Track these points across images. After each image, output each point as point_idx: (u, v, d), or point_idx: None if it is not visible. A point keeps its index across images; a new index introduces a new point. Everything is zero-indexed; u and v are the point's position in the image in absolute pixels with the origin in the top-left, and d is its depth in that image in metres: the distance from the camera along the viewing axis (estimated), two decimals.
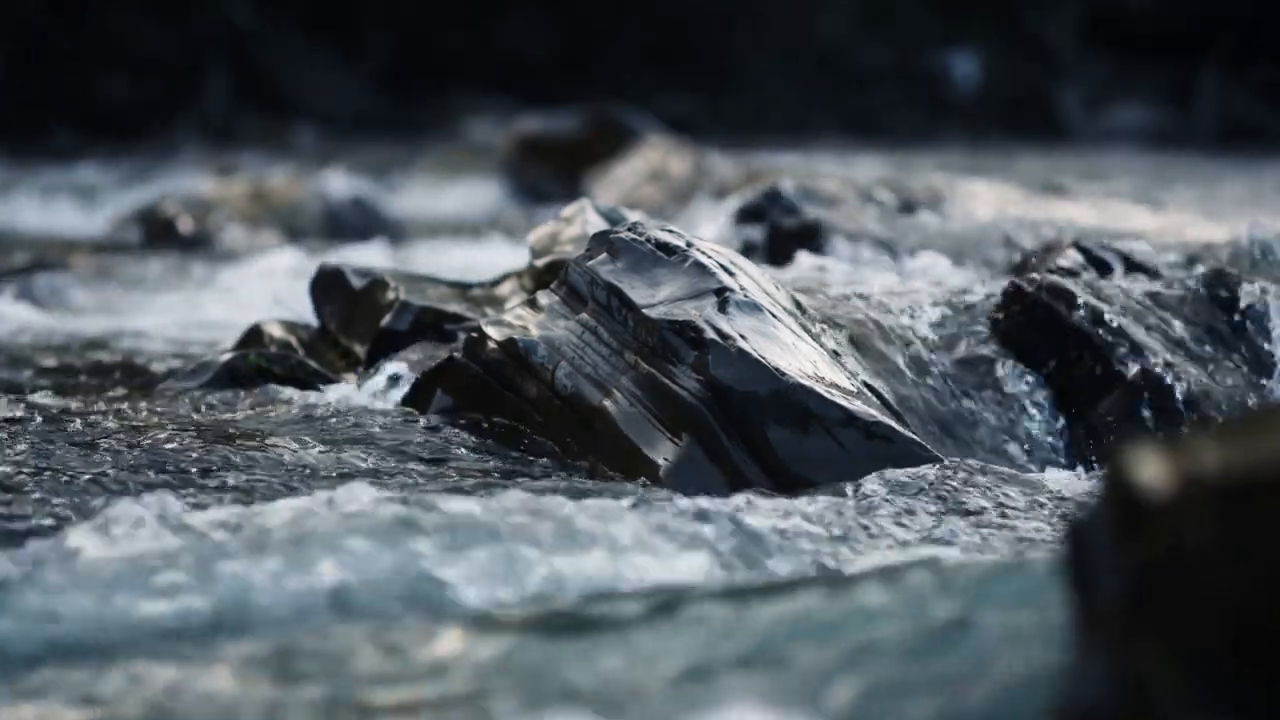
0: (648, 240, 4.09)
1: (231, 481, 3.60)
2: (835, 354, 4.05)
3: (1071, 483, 3.95)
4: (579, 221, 4.82)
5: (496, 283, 4.98)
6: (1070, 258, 4.85)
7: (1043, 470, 4.05)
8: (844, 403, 3.78)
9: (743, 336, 3.84)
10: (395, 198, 11.98)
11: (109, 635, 2.64)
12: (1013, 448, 4.09)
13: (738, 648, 2.33)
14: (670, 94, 19.25)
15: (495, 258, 7.22)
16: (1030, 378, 4.21)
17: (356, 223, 10.08)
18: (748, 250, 5.80)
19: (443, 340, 4.62)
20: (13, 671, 2.55)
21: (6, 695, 2.45)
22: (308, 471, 3.74)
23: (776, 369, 3.79)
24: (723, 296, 3.94)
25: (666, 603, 2.66)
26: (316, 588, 2.81)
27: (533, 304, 4.18)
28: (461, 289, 4.95)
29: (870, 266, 5.74)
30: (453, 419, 4.12)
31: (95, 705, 2.41)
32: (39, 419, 4.24)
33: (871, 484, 3.60)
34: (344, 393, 4.53)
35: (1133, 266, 4.89)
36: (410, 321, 4.73)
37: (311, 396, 4.55)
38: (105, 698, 2.43)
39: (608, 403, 3.91)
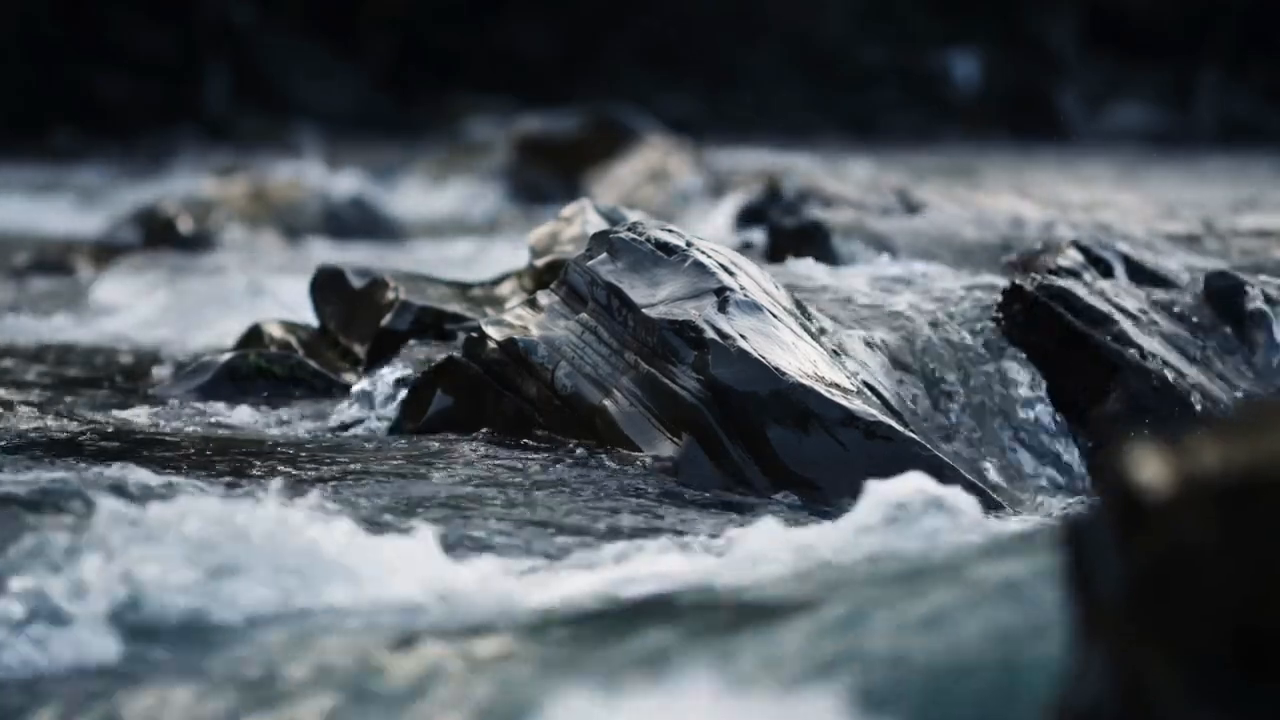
0: (648, 240, 4.09)
1: (230, 483, 3.60)
2: (835, 354, 4.04)
3: (1071, 482, 3.94)
4: (579, 221, 4.82)
5: (496, 283, 4.98)
6: (1070, 258, 4.84)
7: (1043, 470, 4.05)
8: (844, 402, 3.78)
9: (743, 336, 3.84)
10: (395, 198, 11.98)
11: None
12: (1013, 447, 4.09)
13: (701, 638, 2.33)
14: (670, 94, 19.26)
15: (495, 258, 7.22)
16: (1030, 377, 4.21)
17: (356, 223, 10.09)
18: (748, 250, 5.80)
19: (443, 340, 4.62)
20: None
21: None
22: (304, 473, 3.73)
23: (776, 369, 3.79)
24: (723, 296, 3.94)
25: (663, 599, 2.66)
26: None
27: (533, 304, 4.18)
28: (461, 289, 4.95)
29: (870, 266, 5.74)
30: (452, 419, 4.12)
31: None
32: (38, 419, 4.24)
33: (869, 483, 3.59)
34: (343, 393, 4.53)
35: (1133, 266, 4.89)
36: (410, 321, 4.73)
37: (310, 397, 4.55)
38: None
39: (608, 402, 3.91)
